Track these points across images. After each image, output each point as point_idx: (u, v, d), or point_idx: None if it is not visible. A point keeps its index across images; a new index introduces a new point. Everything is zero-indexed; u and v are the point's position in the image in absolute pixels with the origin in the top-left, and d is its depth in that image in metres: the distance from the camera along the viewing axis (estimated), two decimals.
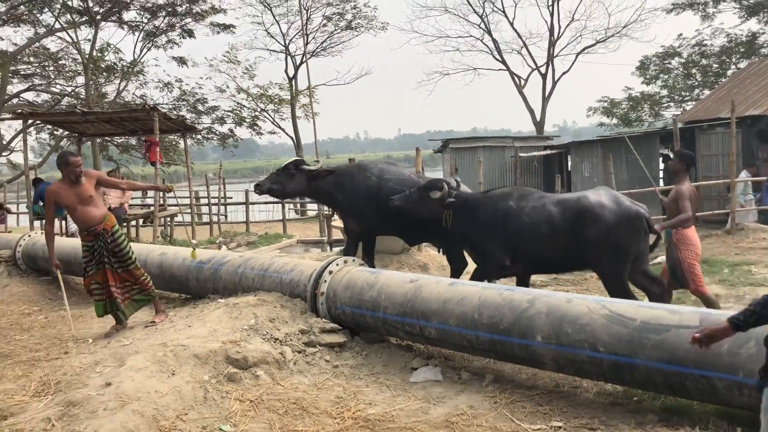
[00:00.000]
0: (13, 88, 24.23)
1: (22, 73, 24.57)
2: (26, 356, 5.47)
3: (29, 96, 25.17)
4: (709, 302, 6.02)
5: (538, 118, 27.74)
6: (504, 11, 28.55)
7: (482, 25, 28.89)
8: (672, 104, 27.77)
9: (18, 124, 22.37)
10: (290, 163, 7.36)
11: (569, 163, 17.60)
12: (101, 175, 6.55)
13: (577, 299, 4.35)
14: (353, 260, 5.92)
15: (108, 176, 13.72)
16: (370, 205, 7.12)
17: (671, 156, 6.68)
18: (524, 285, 6.10)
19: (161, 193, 14.52)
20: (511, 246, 5.87)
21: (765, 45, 25.53)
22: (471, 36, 29.52)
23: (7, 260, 9.30)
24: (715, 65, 26.77)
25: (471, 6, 28.60)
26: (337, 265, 5.72)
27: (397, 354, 5.28)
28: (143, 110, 12.68)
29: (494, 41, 28.78)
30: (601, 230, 5.47)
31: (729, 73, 26.37)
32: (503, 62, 28.86)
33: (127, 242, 6.18)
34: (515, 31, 28.99)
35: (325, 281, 5.60)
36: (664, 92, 27.71)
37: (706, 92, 26.84)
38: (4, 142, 22.10)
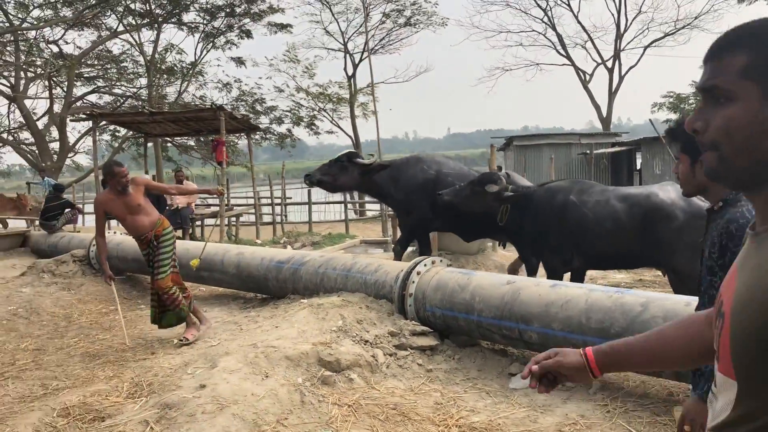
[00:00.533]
0: (77, 90, 24.89)
1: (86, 75, 25.20)
2: (113, 356, 5.44)
3: (93, 98, 25.83)
4: None
5: (604, 114, 26.92)
6: (569, 4, 27.87)
7: (545, 19, 28.30)
8: None
9: (82, 126, 23.01)
10: (343, 155, 7.14)
11: (638, 161, 17.01)
12: (149, 182, 6.42)
13: (696, 302, 4.04)
14: (441, 260, 5.72)
15: (176, 176, 13.95)
16: (425, 199, 6.88)
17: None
18: (580, 280, 5.90)
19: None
20: (573, 240, 5.68)
21: None
22: (533, 30, 28.98)
23: (81, 259, 9.40)
24: None
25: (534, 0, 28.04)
26: (425, 265, 5.53)
27: (492, 358, 5.05)
28: (210, 110, 12.77)
29: (558, 35, 28.13)
30: (673, 229, 5.23)
31: None
32: (568, 57, 28.15)
33: (171, 251, 5.87)
34: (580, 24, 28.23)
35: (413, 282, 5.41)
36: None
37: None
38: (69, 144, 22.66)
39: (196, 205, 13.54)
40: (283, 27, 27.05)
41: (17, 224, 14.66)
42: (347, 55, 27.43)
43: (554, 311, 4.49)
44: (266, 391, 4.12)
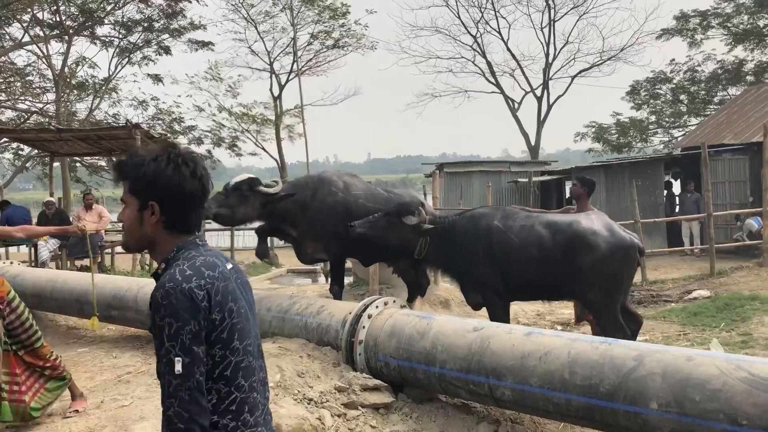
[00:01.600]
0: None
1: None
2: None
3: None
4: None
5: (533, 142, 27.15)
6: (499, 32, 28.08)
7: (475, 46, 28.41)
8: (659, 131, 27.51)
9: None
10: (243, 183, 5.94)
11: (567, 189, 17.00)
12: None
13: (700, 357, 3.53)
14: (394, 301, 5.04)
15: (85, 199, 12.71)
16: (339, 226, 6.02)
17: (574, 181, 6.56)
18: (506, 315, 5.61)
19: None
20: (499, 269, 5.44)
21: (751, 72, 25.48)
22: (463, 57, 29.00)
23: None
24: (702, 92, 26.62)
25: (464, 26, 28.10)
26: (377, 307, 4.83)
27: (456, 417, 4.41)
28: (124, 128, 11.71)
29: (488, 62, 28.28)
30: (594, 259, 5.12)
31: (716, 99, 26.23)
32: (497, 84, 28.33)
33: (27, 311, 4.41)
34: (510, 52, 28.41)
35: (364, 327, 4.71)
36: (653, 118, 27.42)
37: (693, 120, 26.68)
38: None
39: (106, 231, 12.33)
40: (204, 44, 26.02)
41: None
42: (273, 76, 26.57)
43: (531, 364, 3.89)
44: None
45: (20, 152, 23.64)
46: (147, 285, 6.70)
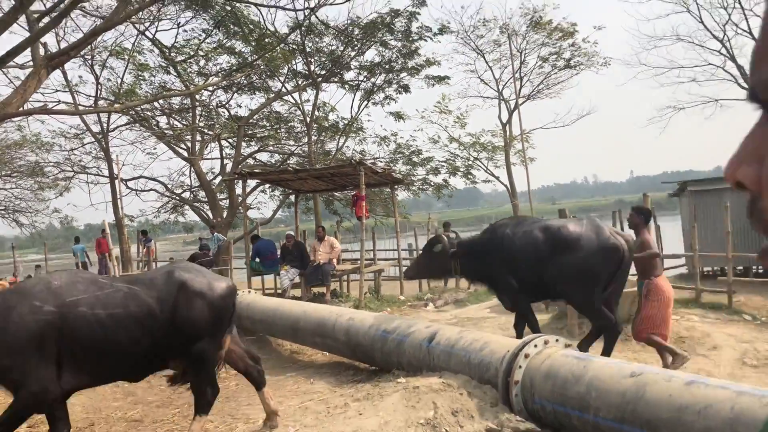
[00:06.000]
0: (250, 149, 26.46)
1: (259, 135, 26.75)
2: None
3: (264, 156, 27.30)
4: (663, 351, 6.25)
5: None
6: (750, 32, 24.98)
7: (723, 51, 25.61)
8: None
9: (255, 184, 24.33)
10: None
11: None
12: None
13: None
14: (557, 340, 4.77)
15: (317, 231, 13.98)
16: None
17: (631, 212, 6.72)
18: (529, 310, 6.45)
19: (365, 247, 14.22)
20: (510, 271, 6.12)
21: None
22: (710, 64, 26.28)
23: None
24: None
25: (709, 31, 25.50)
26: (536, 346, 4.62)
27: None
28: (350, 165, 12.66)
29: (739, 67, 25.25)
30: (575, 258, 5.82)
31: None
32: None
33: None
34: None
35: (521, 367, 4.53)
36: None
37: None
38: (239, 201, 24.00)
39: (336, 260, 13.39)
40: (441, 79, 26.94)
41: None
42: (502, 102, 26.65)
43: (689, 419, 3.42)
44: None
45: (287, 190, 26.72)
46: (342, 315, 7.16)
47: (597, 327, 6.15)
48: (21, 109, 10.66)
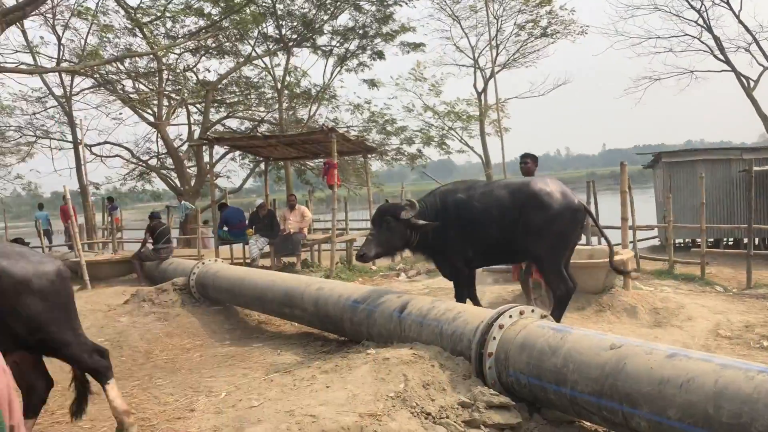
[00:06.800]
0: (219, 116, 25.84)
1: (228, 101, 26.11)
2: (152, 409, 4.83)
3: (233, 123, 26.70)
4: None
5: None
6: (728, 3, 24.84)
7: (700, 21, 25.48)
8: None
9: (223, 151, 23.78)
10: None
11: None
12: None
13: None
14: (532, 311, 4.58)
15: (288, 200, 13.66)
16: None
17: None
18: (471, 281, 6.36)
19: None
20: (468, 236, 5.91)
21: None
22: (686, 35, 26.16)
23: (181, 288, 9.11)
24: None
25: (686, 0, 25.32)
26: (511, 317, 4.42)
27: None
28: (322, 132, 12.32)
29: (716, 38, 25.18)
30: (546, 216, 5.65)
31: None
32: (727, 62, 25.08)
33: None
34: (743, 24, 24.87)
35: (494, 338, 4.33)
36: None
37: None
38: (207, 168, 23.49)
39: (307, 230, 13.12)
40: (416, 46, 26.52)
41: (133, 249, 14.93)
42: (477, 71, 26.34)
43: (670, 392, 3.25)
44: None
45: (258, 158, 26.18)
46: (311, 285, 6.92)
47: (560, 292, 5.87)
48: None
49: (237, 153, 23.82)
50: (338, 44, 25.37)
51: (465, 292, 6.28)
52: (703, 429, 3.09)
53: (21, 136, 24.77)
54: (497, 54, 24.26)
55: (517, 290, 8.91)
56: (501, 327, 4.36)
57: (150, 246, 12.24)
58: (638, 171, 24.59)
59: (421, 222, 5.80)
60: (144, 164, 25.31)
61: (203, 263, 9.24)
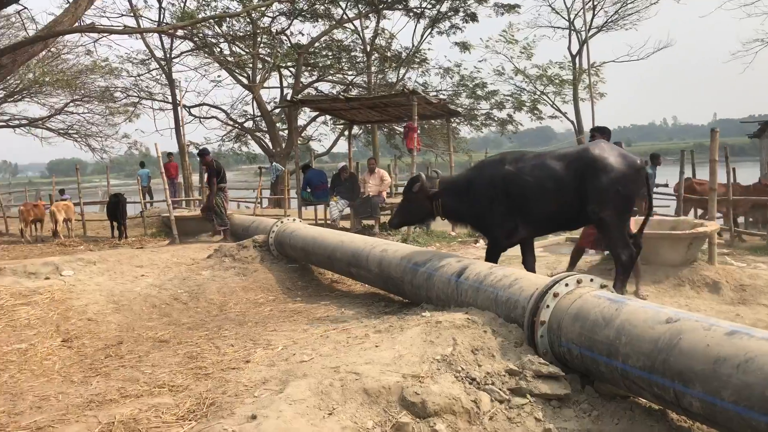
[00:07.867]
0: (312, 79, 26.14)
1: (320, 65, 26.34)
2: (211, 359, 5.01)
3: (325, 87, 26.96)
4: None
5: None
6: None
7: None
8: None
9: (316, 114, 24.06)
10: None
11: None
12: None
13: None
14: (591, 280, 4.38)
15: (368, 163, 13.66)
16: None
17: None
18: (530, 250, 6.29)
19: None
20: (517, 209, 5.85)
21: None
22: None
23: (261, 245, 9.38)
24: None
25: None
26: (567, 285, 4.25)
27: (643, 424, 3.67)
28: (402, 94, 12.20)
29: None
30: (610, 179, 5.51)
31: None
32: None
33: None
34: None
35: (548, 306, 4.18)
36: None
37: None
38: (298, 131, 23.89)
39: (387, 193, 13.13)
40: (511, 8, 25.71)
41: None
42: (573, 33, 25.21)
43: (725, 372, 3.02)
44: None
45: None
46: (376, 246, 6.92)
47: (625, 257, 5.66)
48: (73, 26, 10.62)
49: (328, 117, 24.04)
50: (430, 6, 24.93)
51: (497, 261, 6.21)
52: (759, 413, 2.87)
53: (127, 97, 26.07)
54: (594, 15, 23.11)
55: (596, 260, 8.60)
56: (556, 295, 4.20)
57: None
58: (750, 142, 22.99)
59: (433, 191, 6.16)
60: (239, 126, 26.06)
61: (282, 222, 9.46)
